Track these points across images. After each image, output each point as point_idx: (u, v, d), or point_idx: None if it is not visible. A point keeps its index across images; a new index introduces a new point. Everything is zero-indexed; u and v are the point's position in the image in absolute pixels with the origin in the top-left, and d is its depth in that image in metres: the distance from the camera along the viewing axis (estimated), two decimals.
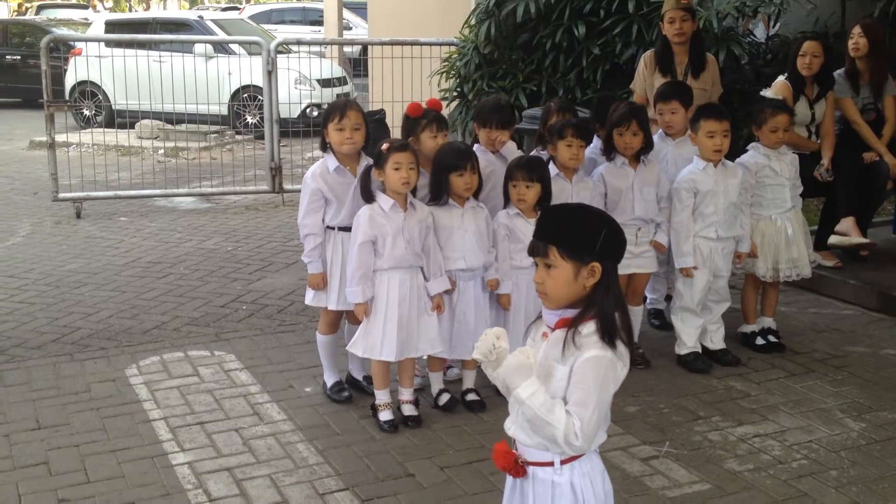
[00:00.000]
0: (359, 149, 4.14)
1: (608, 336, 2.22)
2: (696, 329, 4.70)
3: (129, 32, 13.47)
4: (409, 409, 4.07)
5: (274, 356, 4.84)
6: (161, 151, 10.95)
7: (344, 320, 4.43)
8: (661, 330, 5.22)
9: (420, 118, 4.24)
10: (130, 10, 41.22)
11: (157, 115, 10.68)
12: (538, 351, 2.30)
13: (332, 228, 4.16)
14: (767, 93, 5.18)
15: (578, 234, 2.26)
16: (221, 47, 12.69)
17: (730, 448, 3.82)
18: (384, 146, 3.87)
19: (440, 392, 4.23)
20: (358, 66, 14.79)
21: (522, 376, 2.18)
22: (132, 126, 11.32)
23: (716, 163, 4.55)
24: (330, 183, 4.12)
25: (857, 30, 6.02)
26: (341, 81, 13.78)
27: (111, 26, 14.41)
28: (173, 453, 3.77)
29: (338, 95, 12.58)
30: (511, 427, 2.34)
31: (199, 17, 14.68)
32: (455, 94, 8.33)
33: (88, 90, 13.26)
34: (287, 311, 5.56)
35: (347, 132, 4.07)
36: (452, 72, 8.45)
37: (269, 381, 4.51)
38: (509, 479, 2.40)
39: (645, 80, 5.64)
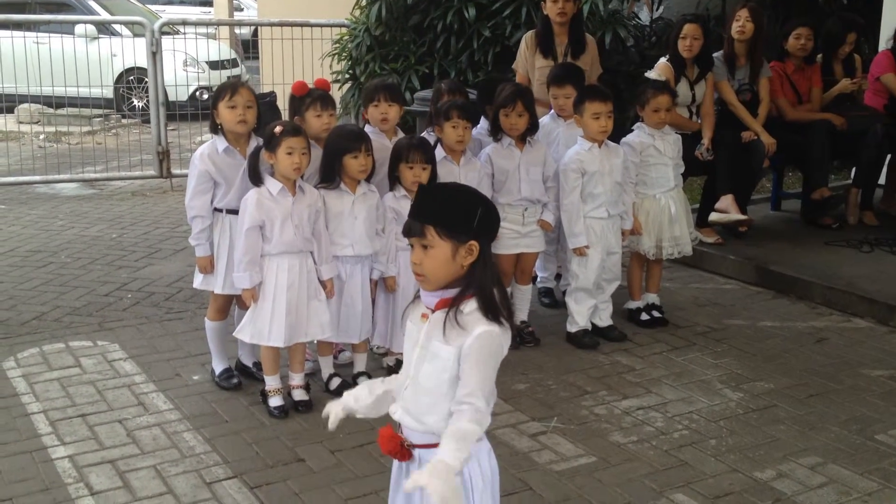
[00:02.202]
0: (251, 128, 4.05)
1: (491, 313, 2.22)
2: (589, 309, 4.79)
3: (6, 13, 12.84)
4: (299, 394, 4.03)
5: (160, 344, 4.72)
6: (42, 136, 10.52)
7: (234, 306, 4.35)
8: (551, 308, 5.30)
9: (305, 97, 4.19)
10: None
11: (37, 99, 10.26)
12: (420, 332, 2.29)
13: (220, 211, 4.07)
14: (651, 74, 5.32)
15: (456, 214, 2.24)
16: (105, 28, 12.25)
17: (615, 421, 3.92)
18: (277, 129, 3.78)
19: (331, 376, 4.21)
20: (249, 47, 14.50)
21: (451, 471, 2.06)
22: (11, 110, 10.84)
23: (600, 143, 4.63)
24: (218, 164, 4.02)
25: (744, 13, 6.15)
26: (232, 63, 13.49)
27: None
28: (53, 447, 3.64)
29: (228, 77, 12.30)
30: (397, 411, 2.32)
31: None
32: (347, 76, 8.28)
33: None
34: (175, 298, 5.42)
35: (240, 109, 3.96)
36: (344, 53, 8.39)
37: (154, 370, 4.40)
38: (395, 463, 2.38)
39: (526, 59, 5.69)
